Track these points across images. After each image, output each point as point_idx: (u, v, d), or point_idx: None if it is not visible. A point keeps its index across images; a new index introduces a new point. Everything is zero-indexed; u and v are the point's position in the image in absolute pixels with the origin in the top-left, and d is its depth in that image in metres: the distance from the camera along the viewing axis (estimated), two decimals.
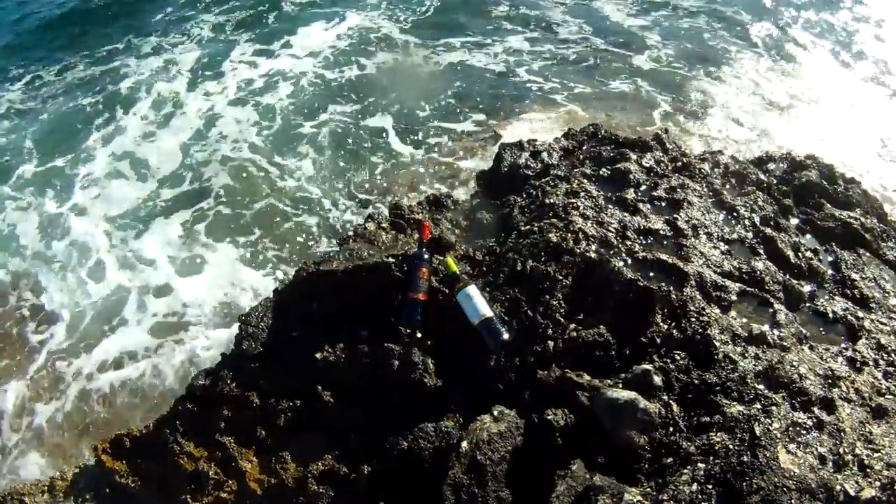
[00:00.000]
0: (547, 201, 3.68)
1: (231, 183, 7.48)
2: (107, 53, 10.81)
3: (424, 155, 7.64)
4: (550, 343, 2.92)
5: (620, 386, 2.67)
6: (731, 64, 9.63)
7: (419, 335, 3.04)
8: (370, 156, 7.76)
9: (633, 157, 4.16)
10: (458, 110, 8.48)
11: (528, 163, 4.38)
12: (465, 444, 2.47)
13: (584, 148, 4.61)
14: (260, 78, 9.52)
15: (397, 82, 9.20)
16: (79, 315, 6.10)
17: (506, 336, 2.93)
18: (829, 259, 3.73)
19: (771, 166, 4.65)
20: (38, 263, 6.78)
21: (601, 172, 4.01)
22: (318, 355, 3.07)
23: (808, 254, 3.66)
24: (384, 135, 8.09)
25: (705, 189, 4.03)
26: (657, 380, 2.68)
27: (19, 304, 6.32)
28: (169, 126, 8.67)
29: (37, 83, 10.15)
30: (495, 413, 2.60)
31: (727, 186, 4.17)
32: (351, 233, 3.77)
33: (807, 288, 3.39)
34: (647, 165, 4.12)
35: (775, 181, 4.34)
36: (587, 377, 2.71)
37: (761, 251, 3.59)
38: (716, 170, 4.33)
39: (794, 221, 4.02)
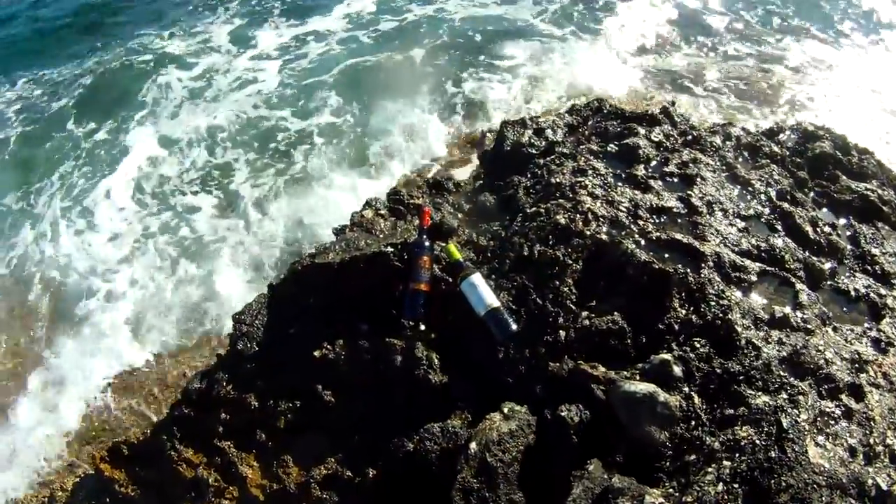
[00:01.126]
0: (553, 181, 3.51)
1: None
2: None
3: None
4: (562, 333, 2.75)
5: (638, 378, 2.51)
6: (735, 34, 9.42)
7: (422, 328, 2.88)
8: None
9: (642, 131, 3.99)
10: None
11: (532, 140, 4.19)
12: (473, 445, 2.31)
13: (589, 124, 4.42)
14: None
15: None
16: None
17: (514, 327, 2.77)
18: (847, 234, 3.57)
19: (782, 137, 4.46)
20: None
21: (609, 149, 3.83)
22: (316, 353, 2.91)
23: (826, 228, 3.50)
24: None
25: (718, 163, 3.87)
26: (677, 370, 2.52)
27: None
28: None
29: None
30: (505, 410, 2.44)
31: (740, 160, 4.01)
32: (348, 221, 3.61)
33: (827, 265, 3.24)
34: (657, 140, 3.94)
35: (788, 153, 4.15)
36: (602, 369, 2.55)
37: (779, 227, 3.43)
38: (727, 143, 4.16)
39: (809, 195, 3.84)
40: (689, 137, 4.11)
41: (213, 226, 6.82)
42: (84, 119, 8.77)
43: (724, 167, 3.83)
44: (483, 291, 2.83)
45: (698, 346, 2.62)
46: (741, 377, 2.49)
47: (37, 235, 6.93)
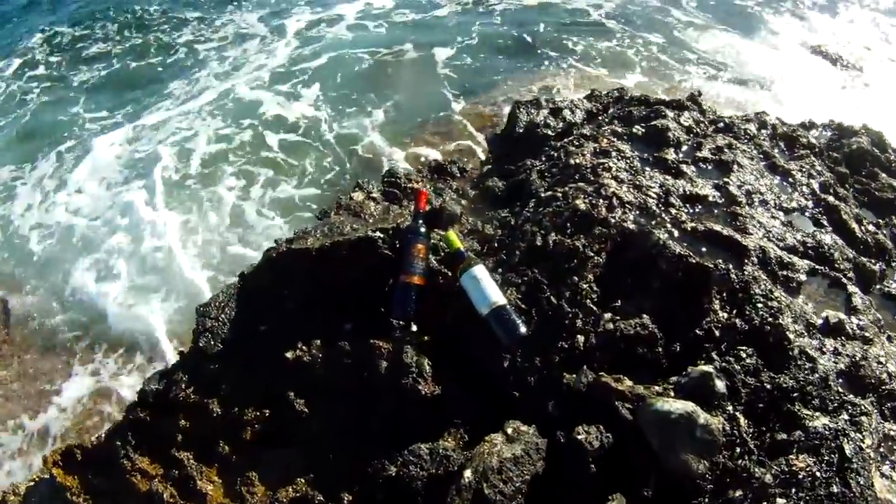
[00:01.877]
0: (572, 162, 3.08)
1: None
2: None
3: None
4: (580, 338, 2.31)
5: (672, 394, 2.07)
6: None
7: (414, 328, 2.45)
8: None
9: (670, 114, 3.57)
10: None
11: (548, 121, 3.77)
12: (468, 473, 1.87)
13: (609, 112, 4.00)
14: None
15: None
16: None
17: (522, 329, 2.32)
18: (889, 233, 3.26)
19: (815, 133, 4.07)
20: None
21: (634, 130, 3.42)
22: (288, 354, 2.47)
23: (871, 227, 3.17)
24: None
25: (754, 151, 3.46)
26: (719, 385, 2.07)
27: None
28: None
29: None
30: (509, 431, 2.00)
31: (776, 150, 3.60)
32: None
33: (875, 266, 2.88)
34: (686, 124, 3.53)
35: (824, 147, 3.79)
36: (628, 382, 2.10)
37: (825, 222, 3.04)
38: (762, 131, 3.77)
39: (850, 191, 3.51)
40: (721, 125, 3.72)
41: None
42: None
43: (761, 156, 3.44)
44: (487, 286, 2.40)
45: (744, 355, 2.19)
46: (795, 394, 2.07)
47: None
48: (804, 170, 3.38)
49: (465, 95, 7.36)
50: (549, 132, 3.68)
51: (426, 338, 2.42)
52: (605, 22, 9.31)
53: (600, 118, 3.92)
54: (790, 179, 3.29)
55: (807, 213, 3.09)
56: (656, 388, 2.10)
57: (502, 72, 7.89)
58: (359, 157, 6.55)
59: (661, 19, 9.36)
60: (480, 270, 2.45)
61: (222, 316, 2.69)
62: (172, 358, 4.56)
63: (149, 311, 5.24)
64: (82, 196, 6.79)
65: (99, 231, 6.22)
